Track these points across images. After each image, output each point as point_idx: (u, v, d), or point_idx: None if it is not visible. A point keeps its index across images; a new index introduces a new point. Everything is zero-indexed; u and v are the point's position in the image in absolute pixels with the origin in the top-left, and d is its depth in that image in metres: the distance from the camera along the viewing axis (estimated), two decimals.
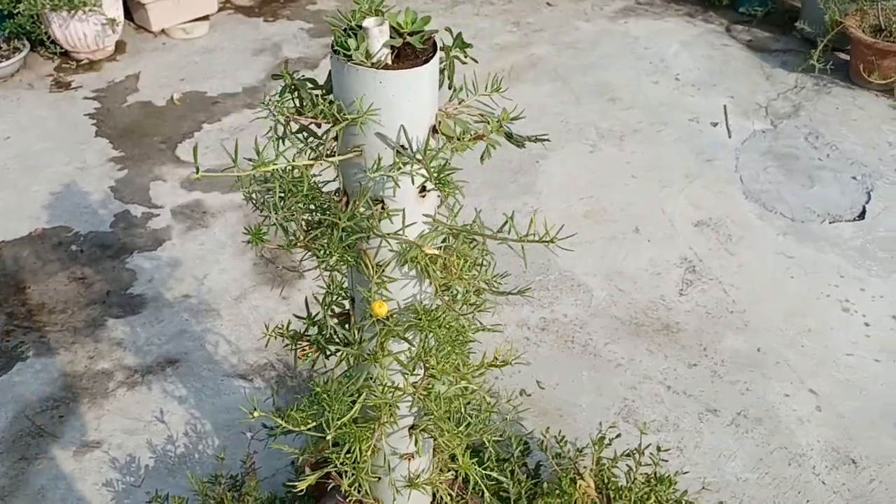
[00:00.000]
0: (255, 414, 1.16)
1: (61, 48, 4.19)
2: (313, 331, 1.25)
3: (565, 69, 4.34)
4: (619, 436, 2.09)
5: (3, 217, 3.25)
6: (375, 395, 1.20)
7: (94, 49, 4.23)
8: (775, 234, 3.21)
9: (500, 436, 2.31)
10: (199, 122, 3.89)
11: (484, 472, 1.66)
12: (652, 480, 1.97)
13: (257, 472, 2.11)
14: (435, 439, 1.33)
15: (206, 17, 4.68)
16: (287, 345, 1.27)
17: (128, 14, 4.53)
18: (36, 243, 3.12)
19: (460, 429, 1.31)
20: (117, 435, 2.40)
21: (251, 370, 2.60)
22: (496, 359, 1.19)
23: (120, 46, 4.43)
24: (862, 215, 3.32)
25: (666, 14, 4.90)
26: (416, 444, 1.32)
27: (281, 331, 1.27)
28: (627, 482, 1.99)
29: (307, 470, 1.42)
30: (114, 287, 2.93)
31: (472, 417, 1.31)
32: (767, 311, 2.86)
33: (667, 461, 2.12)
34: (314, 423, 1.25)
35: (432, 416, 1.29)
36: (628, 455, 1.99)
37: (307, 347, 1.26)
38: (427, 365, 1.21)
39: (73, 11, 3.96)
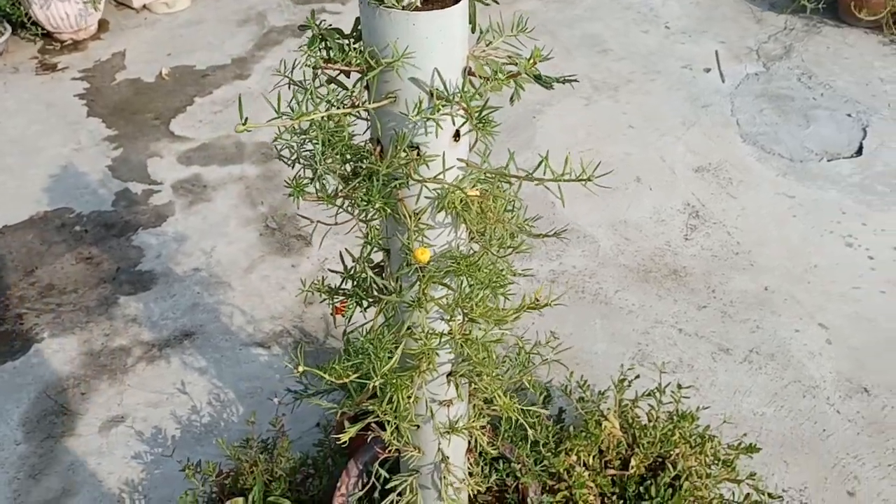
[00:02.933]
0: (300, 369, 1.17)
1: (43, 30, 4.12)
2: (348, 285, 1.27)
3: (553, 23, 4.31)
4: (637, 377, 2.13)
5: (4, 202, 3.22)
6: (418, 342, 1.22)
7: (77, 29, 4.16)
8: (775, 175, 3.24)
9: (530, 380, 2.35)
10: (190, 95, 3.85)
11: (523, 409, 1.69)
12: (675, 417, 2.02)
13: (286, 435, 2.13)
14: (474, 384, 1.36)
15: None
16: (324, 299, 1.29)
17: None
18: (39, 226, 3.10)
19: (497, 372, 1.34)
20: (141, 409, 2.42)
21: (268, 338, 2.62)
22: (536, 300, 1.21)
23: (103, 25, 4.37)
24: (859, 151, 3.34)
25: None
26: (456, 390, 1.34)
27: (317, 286, 1.28)
28: (650, 421, 2.03)
29: (346, 424, 1.44)
30: (122, 265, 2.93)
31: (509, 360, 1.33)
32: (772, 250, 2.90)
33: (688, 398, 2.17)
34: (356, 375, 1.27)
35: (471, 361, 1.31)
36: (649, 395, 2.04)
37: (343, 302, 1.28)
38: (465, 310, 1.23)
39: None
